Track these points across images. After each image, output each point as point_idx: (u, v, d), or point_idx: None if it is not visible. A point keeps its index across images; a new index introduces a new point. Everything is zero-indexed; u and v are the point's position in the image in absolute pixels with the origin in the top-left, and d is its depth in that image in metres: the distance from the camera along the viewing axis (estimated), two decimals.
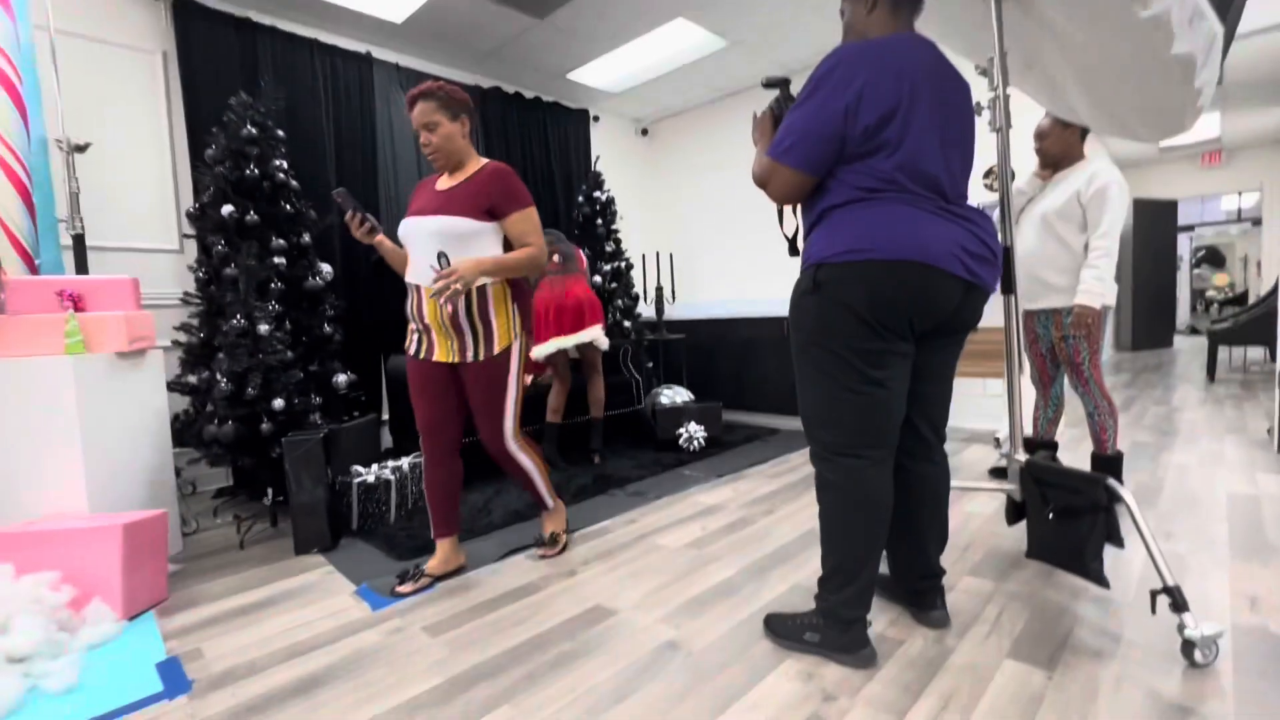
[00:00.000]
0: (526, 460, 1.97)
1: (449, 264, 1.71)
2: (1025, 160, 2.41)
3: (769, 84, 1.50)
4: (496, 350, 1.83)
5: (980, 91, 1.77)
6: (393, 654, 1.49)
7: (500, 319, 1.83)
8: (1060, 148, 2.24)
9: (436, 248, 1.76)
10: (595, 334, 3.15)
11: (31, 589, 1.59)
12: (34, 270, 2.25)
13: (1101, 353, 2.22)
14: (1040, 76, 1.90)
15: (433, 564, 1.90)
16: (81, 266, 2.47)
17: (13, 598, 1.54)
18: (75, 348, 1.94)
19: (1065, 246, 2.20)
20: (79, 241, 2.47)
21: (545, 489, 2.05)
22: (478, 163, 1.88)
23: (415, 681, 1.37)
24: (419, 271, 1.81)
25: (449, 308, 1.76)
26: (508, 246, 1.87)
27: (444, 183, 1.87)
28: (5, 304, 2.01)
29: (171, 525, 2.19)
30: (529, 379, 3.47)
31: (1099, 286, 2.10)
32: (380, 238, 1.85)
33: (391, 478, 2.44)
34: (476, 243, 1.79)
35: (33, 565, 1.66)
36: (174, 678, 1.43)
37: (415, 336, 1.88)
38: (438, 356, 1.83)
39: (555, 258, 3.21)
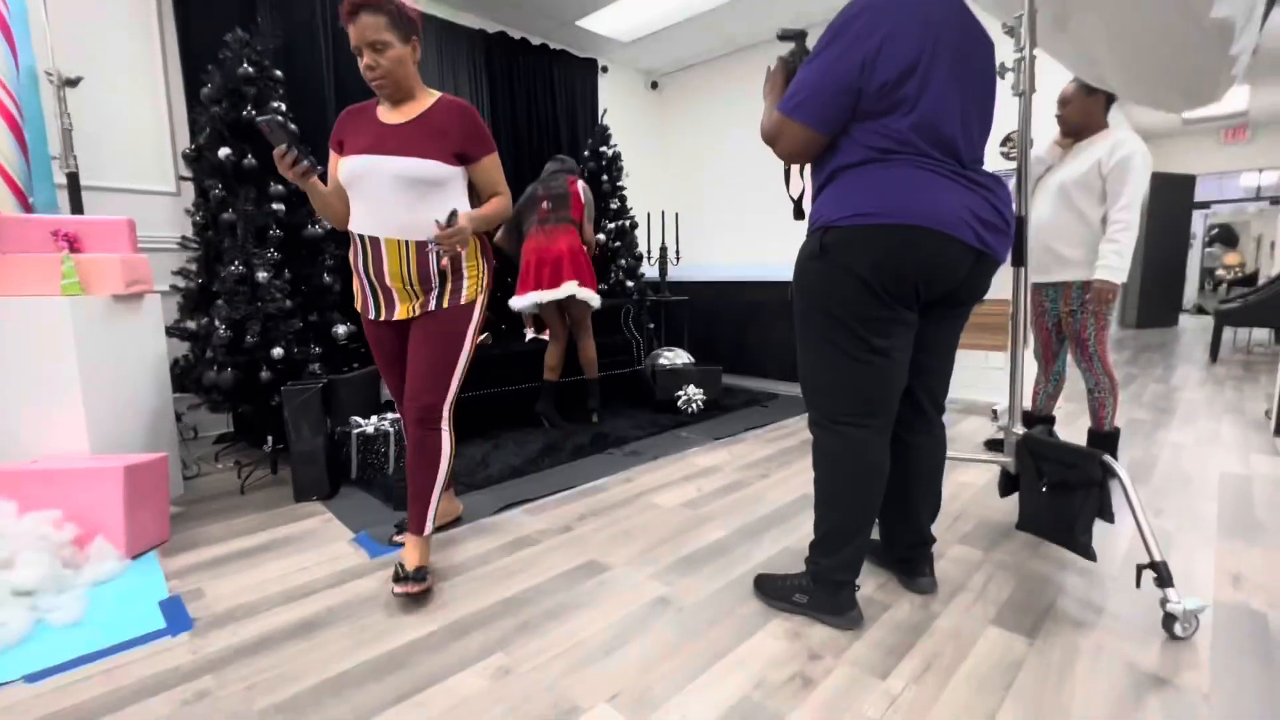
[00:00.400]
0: (449, 446, 1.63)
1: (456, 220, 1.47)
2: (1046, 128, 2.34)
3: (784, 36, 1.44)
4: (463, 300, 1.63)
5: (1005, 51, 1.70)
6: (389, 600, 1.53)
7: (472, 271, 1.65)
8: (1082, 115, 2.16)
9: (401, 192, 1.53)
10: (571, 290, 2.96)
11: (35, 526, 1.61)
12: (28, 209, 2.21)
13: (1109, 329, 2.20)
14: (1070, 38, 1.83)
15: None
16: (76, 206, 2.43)
17: (17, 534, 1.57)
18: (72, 289, 1.92)
19: (1082, 218, 2.14)
20: (73, 180, 2.42)
21: (435, 506, 1.62)
22: (429, 95, 1.62)
23: (411, 628, 1.41)
24: (374, 221, 1.56)
25: (443, 261, 1.57)
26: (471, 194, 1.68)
27: (391, 116, 1.59)
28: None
29: (173, 468, 2.21)
30: (530, 334, 3.46)
31: (1120, 262, 2.05)
32: (315, 180, 1.55)
33: (391, 429, 2.45)
34: (448, 190, 1.58)
35: (35, 504, 1.68)
36: (176, 616, 1.47)
37: (370, 297, 1.65)
38: (399, 314, 1.62)
39: (545, 205, 3.05)
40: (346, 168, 1.57)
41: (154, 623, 1.44)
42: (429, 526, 1.62)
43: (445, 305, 1.62)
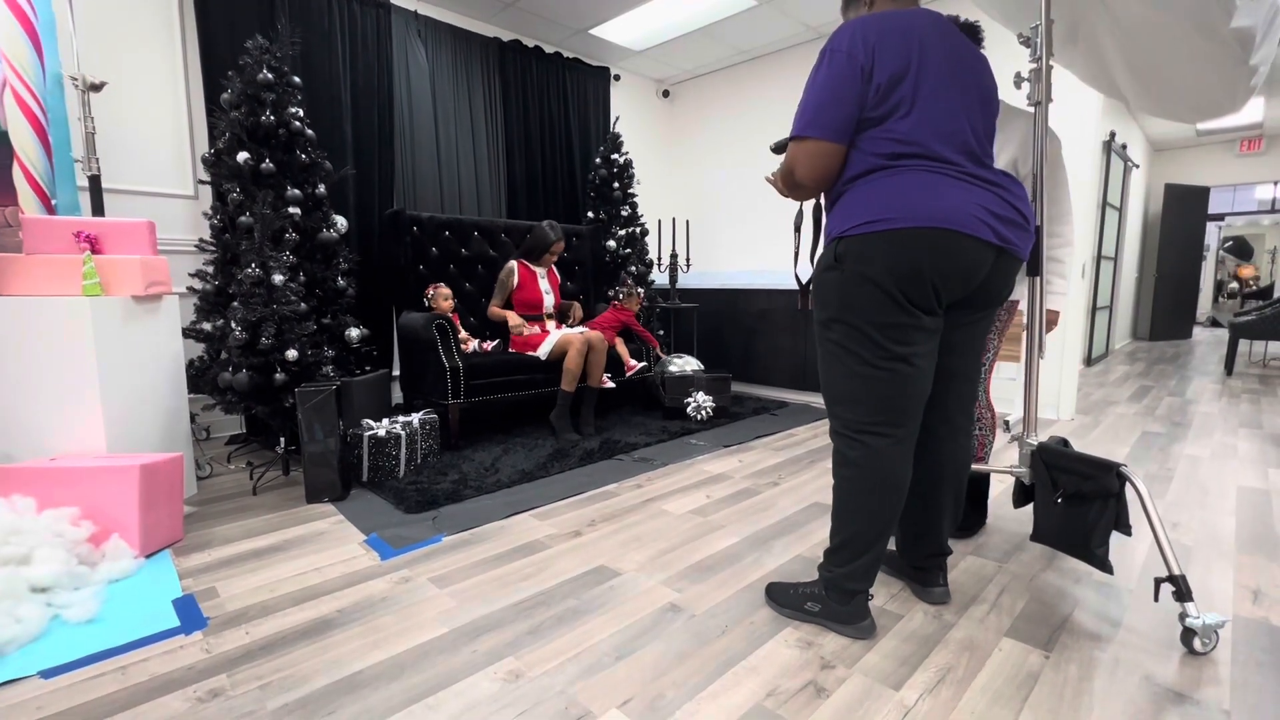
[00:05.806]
0: None
1: None
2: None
3: (778, 148, 1.45)
4: None
5: (1021, 62, 1.70)
6: (400, 603, 1.53)
7: None
8: None
9: None
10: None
11: (52, 523, 1.63)
12: (51, 210, 2.25)
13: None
14: (1084, 49, 1.82)
15: None
16: (98, 208, 2.47)
17: (35, 530, 1.59)
18: (92, 289, 1.94)
19: None
20: (95, 183, 2.45)
21: None
22: None
23: (422, 630, 1.41)
24: None
25: None
26: None
27: None
28: (23, 243, 2.01)
29: (187, 468, 2.23)
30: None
31: (1065, 285, 1.84)
32: None
33: (401, 432, 2.46)
34: None
35: (53, 501, 1.70)
36: (190, 614, 1.48)
37: None
38: None
39: None
40: None
41: (168, 621, 1.44)
42: None
43: None
